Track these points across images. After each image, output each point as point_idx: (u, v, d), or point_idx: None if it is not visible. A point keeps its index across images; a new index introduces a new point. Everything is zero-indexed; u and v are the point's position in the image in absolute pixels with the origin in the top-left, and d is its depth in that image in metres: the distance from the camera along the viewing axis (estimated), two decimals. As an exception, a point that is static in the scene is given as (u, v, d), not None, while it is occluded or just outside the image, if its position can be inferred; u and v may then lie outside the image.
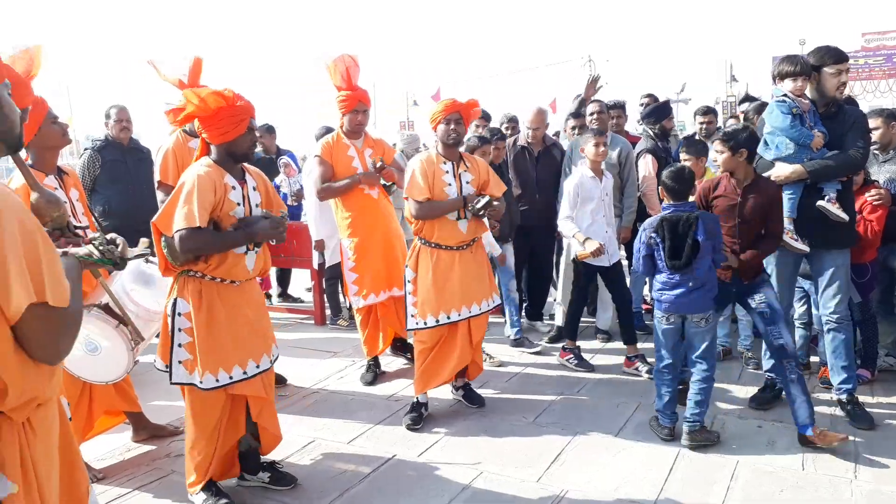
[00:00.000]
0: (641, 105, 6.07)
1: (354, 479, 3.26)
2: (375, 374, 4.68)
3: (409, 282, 3.95)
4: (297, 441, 3.69)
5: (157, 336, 3.11)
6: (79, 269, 1.77)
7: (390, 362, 4.96)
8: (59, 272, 1.44)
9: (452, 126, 3.81)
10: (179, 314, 2.90)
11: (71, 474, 1.71)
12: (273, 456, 3.34)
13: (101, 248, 1.97)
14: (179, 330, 2.90)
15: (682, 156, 4.72)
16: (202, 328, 2.87)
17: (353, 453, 3.55)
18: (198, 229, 2.72)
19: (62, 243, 2.34)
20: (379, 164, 4.42)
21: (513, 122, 6.27)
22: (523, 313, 5.69)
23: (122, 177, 5.13)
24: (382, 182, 4.50)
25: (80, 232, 2.18)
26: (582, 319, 4.87)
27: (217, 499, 2.99)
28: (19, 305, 1.33)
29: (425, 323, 3.86)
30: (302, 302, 7.06)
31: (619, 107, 5.74)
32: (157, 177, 4.10)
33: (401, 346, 4.98)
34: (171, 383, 2.95)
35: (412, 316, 3.91)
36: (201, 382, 2.87)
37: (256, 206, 3.01)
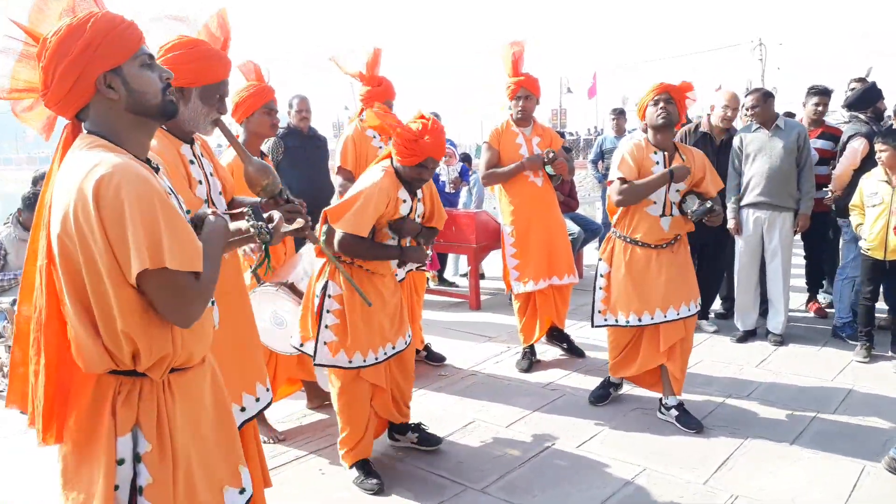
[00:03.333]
0: (850, 90, 5.52)
1: (514, 463, 3.31)
2: (531, 361, 4.70)
3: (601, 276, 3.80)
4: (458, 421, 3.80)
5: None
6: (223, 234, 1.71)
7: (545, 351, 4.96)
8: (185, 238, 1.47)
9: (661, 105, 3.49)
10: (329, 296, 3.06)
11: (227, 444, 1.77)
12: (435, 433, 3.49)
13: (252, 223, 1.82)
14: (328, 311, 3.05)
15: (878, 146, 4.32)
16: (354, 310, 3.03)
17: (511, 438, 3.60)
18: (360, 238, 2.94)
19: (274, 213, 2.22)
20: (551, 155, 4.40)
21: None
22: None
23: (302, 163, 5.50)
24: (549, 171, 4.49)
25: (294, 199, 2.23)
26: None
27: (368, 478, 3.13)
28: (135, 269, 1.39)
29: (616, 321, 3.74)
30: (456, 286, 7.23)
31: (825, 93, 5.36)
32: (337, 162, 4.36)
33: (557, 336, 4.97)
34: (315, 364, 3.14)
35: (599, 312, 3.80)
36: (350, 362, 3.03)
37: (419, 216, 3.20)
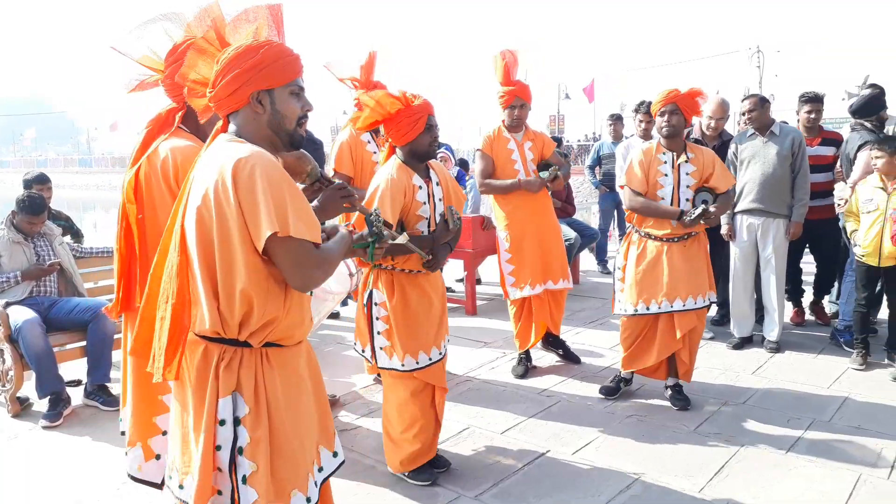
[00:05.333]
0: (857, 95, 5.50)
1: (509, 471, 3.29)
2: (527, 367, 4.69)
3: (618, 268, 4.09)
4: (453, 427, 3.78)
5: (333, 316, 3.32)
6: (348, 241, 2.01)
7: (541, 357, 4.94)
8: (305, 213, 1.73)
9: (666, 117, 3.77)
10: (376, 304, 3.09)
11: (323, 412, 2.01)
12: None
13: (376, 227, 2.19)
14: (377, 318, 3.09)
15: (875, 152, 4.33)
16: (398, 314, 3.05)
17: (506, 445, 3.58)
18: None
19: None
20: (553, 175, 4.39)
21: (645, 114, 6.01)
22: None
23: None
24: (544, 177, 4.47)
25: (332, 178, 2.31)
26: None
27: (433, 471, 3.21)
28: (264, 233, 1.64)
29: (634, 310, 3.95)
30: (453, 291, 7.21)
31: (817, 100, 5.32)
32: (332, 166, 4.35)
33: (552, 342, 4.96)
34: (379, 367, 3.15)
35: (618, 301, 4.06)
36: (402, 365, 3.05)
37: (439, 200, 3.14)
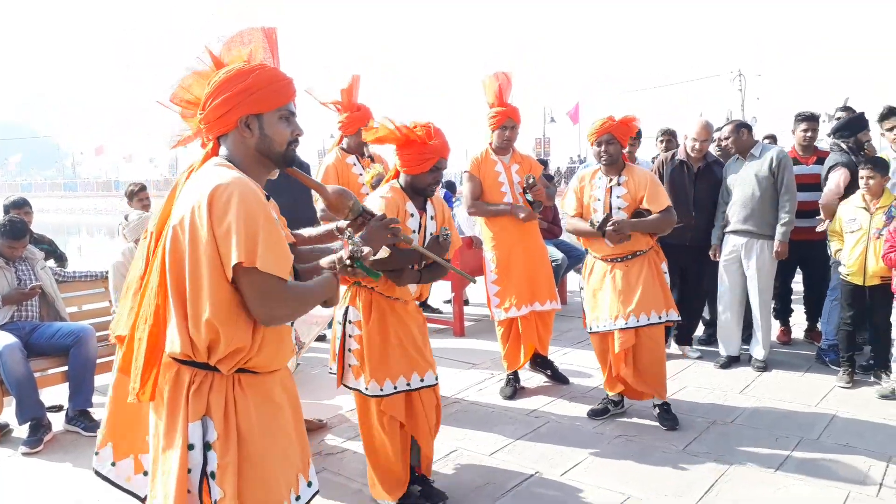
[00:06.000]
0: (835, 118, 5.57)
1: (497, 493, 3.26)
2: (515, 388, 4.66)
3: (580, 288, 4.24)
4: (441, 449, 3.74)
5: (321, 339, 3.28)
6: (332, 286, 1.94)
7: (530, 378, 4.92)
8: (277, 247, 1.69)
9: (603, 147, 3.86)
10: (350, 322, 3.03)
11: (301, 440, 1.97)
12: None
13: (355, 252, 2.01)
14: (349, 336, 3.03)
15: (865, 172, 4.40)
16: (372, 338, 2.98)
17: (495, 466, 3.55)
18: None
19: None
20: (531, 181, 4.40)
21: (668, 134, 6.04)
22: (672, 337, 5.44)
23: (284, 190, 5.40)
24: (528, 198, 4.48)
25: (374, 212, 2.35)
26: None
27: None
28: (231, 262, 1.62)
29: (590, 328, 4.10)
30: (441, 313, 7.19)
31: (813, 118, 5.36)
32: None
33: (541, 363, 4.94)
34: (342, 385, 3.08)
35: (588, 321, 4.15)
36: (367, 389, 2.98)
37: (431, 234, 3.08)
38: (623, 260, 3.94)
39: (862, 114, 5.23)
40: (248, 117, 1.78)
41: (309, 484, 1.96)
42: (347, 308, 3.05)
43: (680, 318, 4.08)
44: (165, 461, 1.75)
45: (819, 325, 5.68)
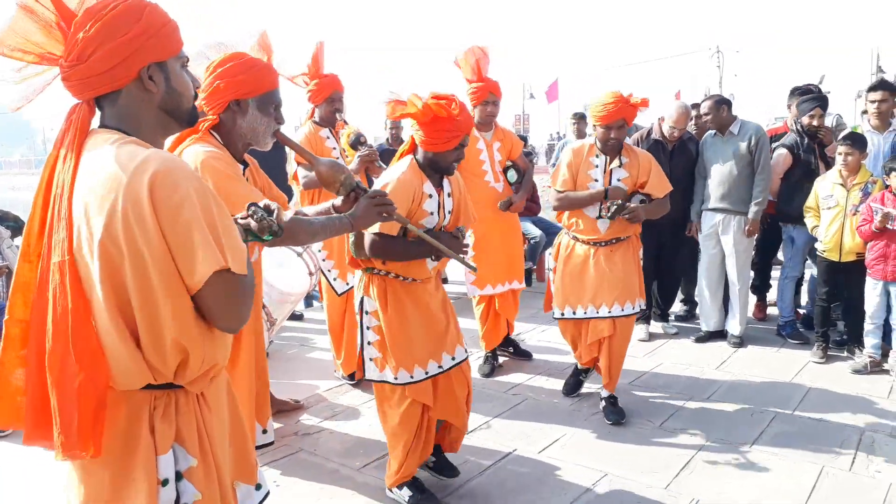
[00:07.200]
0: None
1: (474, 471, 3.25)
2: (493, 366, 4.65)
3: (549, 269, 4.08)
4: (418, 428, 3.72)
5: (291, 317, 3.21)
6: (244, 237, 1.70)
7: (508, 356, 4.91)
8: (236, 238, 1.41)
9: (613, 133, 3.58)
10: (367, 312, 2.87)
11: (243, 445, 1.71)
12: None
13: (259, 219, 1.72)
14: (367, 328, 2.88)
15: (843, 148, 4.41)
16: (392, 325, 2.82)
17: (471, 445, 3.53)
18: (391, 237, 2.71)
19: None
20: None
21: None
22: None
23: (260, 166, 5.37)
24: (510, 178, 4.42)
25: (366, 188, 2.24)
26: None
27: (423, 496, 2.96)
28: (205, 272, 1.31)
29: (561, 314, 3.91)
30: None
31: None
32: (292, 165, 4.25)
33: (503, 341, 4.88)
34: (365, 380, 2.97)
35: (556, 305, 3.95)
36: (395, 378, 2.82)
37: (449, 212, 2.94)
38: (607, 244, 3.76)
39: (816, 92, 5.13)
40: (152, 66, 1.42)
41: (258, 486, 1.75)
42: (363, 299, 2.88)
43: (644, 308, 4.01)
44: None
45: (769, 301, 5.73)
